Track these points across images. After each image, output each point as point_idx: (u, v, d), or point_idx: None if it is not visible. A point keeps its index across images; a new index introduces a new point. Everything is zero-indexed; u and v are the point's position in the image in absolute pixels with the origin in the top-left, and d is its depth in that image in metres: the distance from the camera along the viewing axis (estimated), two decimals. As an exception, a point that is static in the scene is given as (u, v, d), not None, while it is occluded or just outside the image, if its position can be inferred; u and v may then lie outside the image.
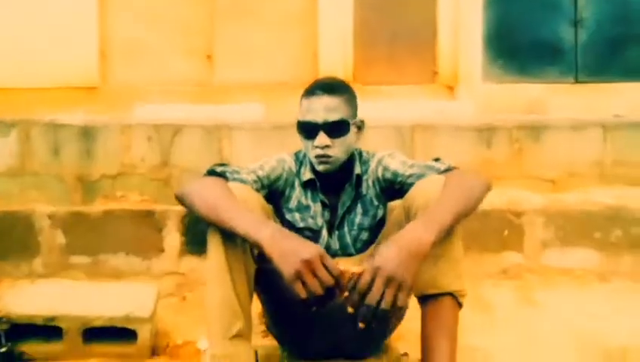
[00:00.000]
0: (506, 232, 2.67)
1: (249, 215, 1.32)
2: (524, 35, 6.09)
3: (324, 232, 1.69)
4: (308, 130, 1.62)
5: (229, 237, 1.37)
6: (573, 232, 2.68)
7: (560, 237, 2.67)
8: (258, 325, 2.12)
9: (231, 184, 1.49)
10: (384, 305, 1.22)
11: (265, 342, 1.95)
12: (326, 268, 1.24)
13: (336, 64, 5.80)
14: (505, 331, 2.30)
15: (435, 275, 1.39)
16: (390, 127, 3.25)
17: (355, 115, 1.70)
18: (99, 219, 2.61)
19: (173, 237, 2.62)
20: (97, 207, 2.75)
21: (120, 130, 3.21)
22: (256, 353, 1.39)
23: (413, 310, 1.78)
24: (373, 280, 1.23)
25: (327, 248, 1.70)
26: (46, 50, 5.62)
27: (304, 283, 1.24)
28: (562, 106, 5.47)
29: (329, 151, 1.61)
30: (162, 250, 2.62)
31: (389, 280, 1.22)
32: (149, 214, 2.63)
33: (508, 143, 3.28)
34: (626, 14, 5.74)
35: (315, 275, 1.23)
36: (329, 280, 1.24)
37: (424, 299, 1.41)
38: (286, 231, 1.32)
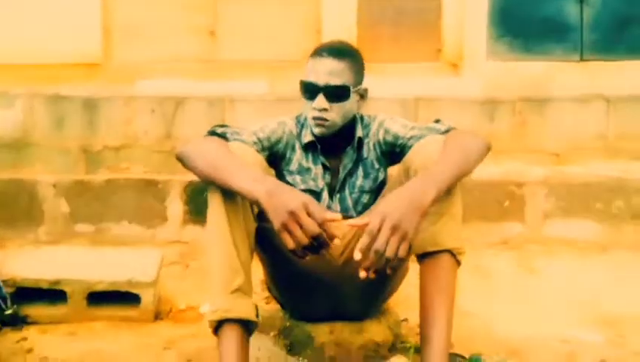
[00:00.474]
0: (507, 203, 2.68)
1: (247, 172, 1.32)
2: (530, 13, 6.02)
3: (325, 194, 1.70)
4: (309, 90, 1.62)
5: (229, 195, 1.38)
6: (575, 203, 2.68)
7: (562, 207, 2.68)
8: (261, 292, 2.15)
9: (231, 144, 1.50)
10: (389, 252, 1.23)
11: (268, 308, 1.97)
12: (313, 217, 1.25)
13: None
14: (503, 298, 2.32)
15: (435, 233, 1.40)
16: (394, 100, 3.25)
17: (359, 82, 1.69)
18: (102, 188, 2.64)
19: (176, 207, 2.64)
20: (101, 176, 2.76)
21: (123, 102, 3.21)
22: (256, 307, 1.40)
23: (412, 275, 1.81)
24: (380, 228, 1.24)
25: (328, 208, 1.71)
26: (49, 26, 5.59)
27: (291, 234, 1.25)
28: (567, 84, 5.42)
29: (326, 115, 1.61)
30: (165, 219, 2.64)
31: (394, 229, 1.23)
32: (152, 183, 2.65)
33: (511, 116, 3.28)
34: (632, -8, 5.66)
35: (301, 225, 1.24)
36: (314, 229, 1.24)
37: (423, 257, 1.42)
38: (283, 185, 1.32)
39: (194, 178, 2.68)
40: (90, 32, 5.70)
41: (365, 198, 1.72)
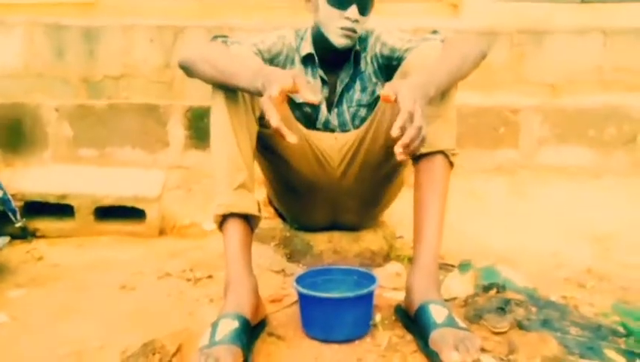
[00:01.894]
0: (502, 129, 2.73)
1: (249, 69, 1.36)
2: (532, -48, 5.94)
3: (323, 107, 1.74)
4: (342, 0, 1.60)
5: (232, 96, 1.42)
6: (569, 130, 2.73)
7: (556, 134, 2.73)
8: (263, 208, 2.22)
9: (232, 48, 1.53)
10: (424, 131, 1.21)
11: (269, 222, 2.04)
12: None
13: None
14: (495, 217, 2.39)
15: (429, 135, 1.44)
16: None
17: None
18: (105, 113, 2.67)
19: (177, 132, 2.68)
20: (103, 101, 2.79)
21: (122, 31, 3.21)
22: (258, 203, 1.47)
23: (409, 195, 1.87)
24: (415, 106, 1.21)
25: (326, 123, 1.75)
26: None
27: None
28: (567, 25, 5.41)
29: (357, 26, 1.63)
30: (167, 144, 2.69)
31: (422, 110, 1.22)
32: (153, 108, 2.68)
33: (509, 48, 3.29)
34: None
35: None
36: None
37: (418, 158, 1.47)
38: (277, 70, 1.32)
39: (194, 103, 2.73)
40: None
41: (363, 112, 1.76)
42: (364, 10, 1.63)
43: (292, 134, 1.22)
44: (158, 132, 2.68)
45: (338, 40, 1.64)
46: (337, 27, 1.63)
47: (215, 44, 1.54)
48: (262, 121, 1.49)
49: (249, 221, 1.44)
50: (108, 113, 2.66)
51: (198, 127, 2.67)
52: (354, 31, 1.63)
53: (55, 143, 2.65)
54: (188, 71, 1.51)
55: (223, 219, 1.41)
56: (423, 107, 1.23)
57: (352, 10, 1.60)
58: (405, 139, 1.19)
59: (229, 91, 1.42)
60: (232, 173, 1.41)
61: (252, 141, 1.47)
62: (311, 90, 1.25)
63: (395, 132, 1.19)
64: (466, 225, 2.27)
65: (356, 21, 1.61)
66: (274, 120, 1.20)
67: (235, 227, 1.40)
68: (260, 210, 1.46)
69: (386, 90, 1.26)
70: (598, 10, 5.75)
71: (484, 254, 1.99)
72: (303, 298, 1.40)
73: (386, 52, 1.69)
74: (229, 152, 1.42)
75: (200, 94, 2.58)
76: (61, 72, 3.22)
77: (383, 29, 1.74)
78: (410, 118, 1.20)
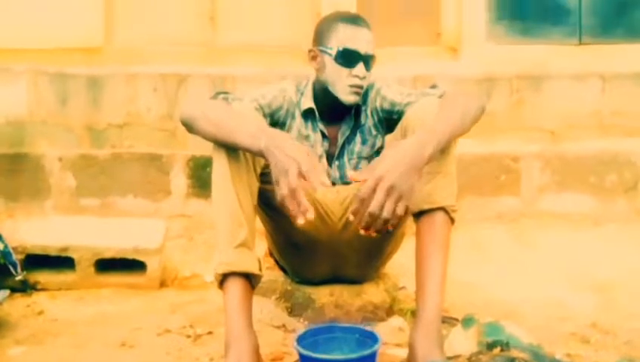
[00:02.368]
0: (503, 177, 2.74)
1: (250, 128, 1.37)
2: (528, -4, 6.05)
3: (323, 161, 1.76)
4: (350, 58, 1.65)
5: (233, 154, 1.44)
6: (569, 177, 2.74)
7: (556, 181, 2.74)
8: (264, 259, 2.22)
9: (233, 105, 1.55)
10: (385, 213, 1.28)
11: (270, 274, 2.03)
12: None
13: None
14: (498, 268, 2.38)
15: (430, 191, 1.45)
16: (392, 78, 3.29)
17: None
18: (107, 162, 2.69)
19: (180, 180, 2.70)
20: (106, 150, 2.81)
21: (126, 79, 3.26)
22: (259, 261, 1.47)
23: (411, 250, 1.87)
24: (374, 189, 1.28)
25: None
26: (49, 11, 5.62)
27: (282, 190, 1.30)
28: (566, 68, 5.48)
29: (364, 83, 1.67)
30: (169, 193, 2.70)
31: (390, 190, 1.27)
32: (156, 157, 2.70)
33: (508, 95, 3.33)
34: (630, -26, 5.69)
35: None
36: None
37: (419, 215, 1.48)
38: (282, 137, 1.35)
39: (197, 152, 2.76)
40: (91, 16, 5.74)
41: (363, 165, 1.77)
42: (368, 65, 1.67)
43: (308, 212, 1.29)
44: (160, 181, 2.70)
45: (347, 98, 1.68)
46: (346, 85, 1.67)
47: (216, 101, 1.56)
48: (263, 177, 1.51)
49: (250, 279, 1.44)
50: (111, 162, 2.69)
51: (201, 176, 2.69)
52: (361, 87, 1.67)
53: (57, 193, 2.67)
54: (189, 128, 1.53)
55: (223, 278, 1.41)
56: (398, 184, 1.29)
57: (360, 68, 1.65)
58: (361, 225, 1.31)
59: (230, 148, 1.44)
60: (233, 231, 1.41)
61: (253, 197, 1.48)
62: (321, 173, 1.30)
63: (350, 217, 1.33)
64: (468, 276, 2.26)
65: (364, 78, 1.66)
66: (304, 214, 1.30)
67: (235, 286, 1.40)
68: (260, 269, 1.46)
69: (354, 175, 1.39)
70: (596, 52, 5.82)
71: (487, 306, 1.98)
72: (304, 359, 1.38)
73: (386, 106, 1.72)
74: (230, 209, 1.42)
75: (203, 143, 2.56)
76: (65, 119, 3.25)
77: (383, 83, 1.77)
78: (362, 204, 1.29)
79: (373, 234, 1.34)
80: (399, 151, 1.33)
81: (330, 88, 1.70)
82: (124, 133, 3.25)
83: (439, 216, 1.45)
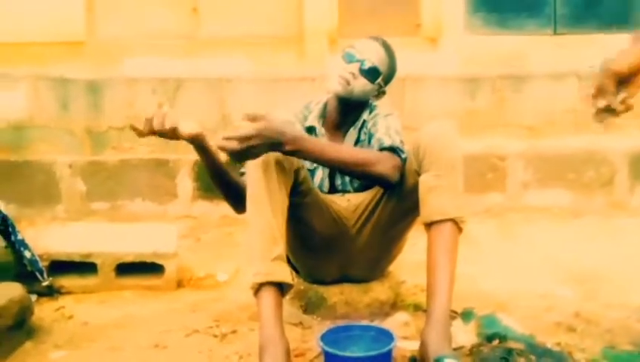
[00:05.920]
0: (490, 175, 2.93)
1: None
2: (504, -12, 6.22)
3: (320, 170, 1.92)
4: (349, 58, 1.86)
5: (267, 172, 1.60)
6: (550, 174, 2.95)
7: (538, 178, 2.94)
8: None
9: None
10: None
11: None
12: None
13: (321, 17, 5.90)
14: (488, 260, 2.58)
15: (441, 204, 1.63)
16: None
17: (385, 80, 1.93)
18: (116, 168, 2.81)
19: (186, 184, 2.83)
20: (114, 156, 2.93)
21: (125, 83, 3.36)
22: (291, 272, 1.63)
23: (410, 244, 2.05)
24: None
25: (321, 183, 1.93)
26: (30, 4, 5.62)
27: None
28: (541, 57, 5.69)
29: (351, 80, 1.85)
30: (176, 196, 2.83)
31: None
32: (162, 162, 2.83)
33: (491, 93, 3.51)
34: (602, -34, 5.91)
35: None
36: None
37: (430, 225, 1.65)
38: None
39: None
40: (72, 10, 5.76)
41: None
42: (365, 71, 1.86)
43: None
44: (167, 184, 2.82)
45: (334, 86, 1.87)
46: (337, 75, 1.86)
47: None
48: (292, 191, 1.68)
49: (282, 288, 1.60)
50: (119, 168, 2.80)
51: (206, 179, 2.81)
52: (348, 82, 1.85)
53: (68, 198, 2.77)
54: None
55: (259, 287, 1.57)
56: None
57: (352, 66, 1.85)
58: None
59: (265, 165, 1.61)
60: (269, 245, 1.58)
61: (284, 214, 1.65)
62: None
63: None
64: (462, 268, 2.44)
65: (352, 74, 1.84)
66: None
67: (270, 294, 1.56)
68: (293, 279, 1.62)
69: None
70: (570, 42, 6.07)
71: (481, 299, 2.16)
72: (328, 356, 1.55)
73: (372, 132, 1.92)
74: (266, 227, 1.59)
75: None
76: (66, 123, 3.35)
77: (385, 112, 1.94)
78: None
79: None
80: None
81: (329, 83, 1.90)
82: (124, 135, 3.36)
83: (448, 227, 1.63)
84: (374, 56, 1.87)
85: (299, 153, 1.62)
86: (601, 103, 1.38)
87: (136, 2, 5.88)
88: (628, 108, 1.40)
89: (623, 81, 1.37)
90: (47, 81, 3.34)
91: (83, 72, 3.58)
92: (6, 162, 2.80)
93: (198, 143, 1.76)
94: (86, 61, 5.32)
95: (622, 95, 1.38)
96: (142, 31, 6.13)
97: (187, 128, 1.70)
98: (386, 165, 1.73)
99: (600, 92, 1.38)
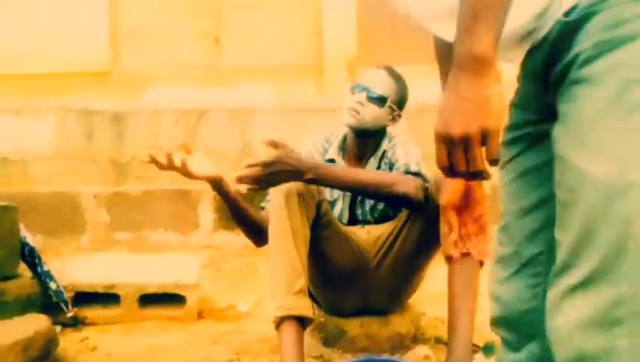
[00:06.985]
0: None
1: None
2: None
3: (340, 201, 1.94)
4: (356, 89, 1.90)
5: (290, 206, 1.63)
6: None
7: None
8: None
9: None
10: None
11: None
12: None
13: (340, 45, 5.98)
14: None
15: (461, 239, 1.64)
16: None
17: (397, 105, 1.95)
18: (139, 198, 2.86)
19: (207, 214, 2.87)
20: (137, 186, 2.99)
21: (148, 114, 3.43)
22: (312, 305, 1.64)
23: (429, 274, 2.05)
24: None
25: (341, 215, 1.94)
26: (56, 35, 5.77)
27: None
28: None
29: (360, 109, 1.87)
30: (198, 226, 2.87)
31: None
32: (185, 193, 2.87)
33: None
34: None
35: None
36: None
37: (451, 257, 1.66)
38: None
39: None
40: (97, 40, 5.91)
41: (381, 205, 1.95)
42: (374, 99, 1.89)
43: None
44: (189, 215, 2.86)
45: (347, 119, 1.90)
46: (347, 107, 1.89)
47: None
48: (314, 223, 1.70)
49: (303, 322, 1.61)
50: (142, 198, 2.85)
51: (227, 209, 2.85)
52: (357, 112, 1.87)
53: (92, 228, 2.83)
54: None
55: (280, 320, 1.59)
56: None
57: (360, 95, 1.88)
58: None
59: (287, 198, 1.64)
60: (291, 279, 1.60)
61: (306, 247, 1.67)
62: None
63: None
64: (484, 302, 2.42)
65: (360, 103, 1.87)
66: None
67: (291, 328, 1.58)
68: (314, 312, 1.63)
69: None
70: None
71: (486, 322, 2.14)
72: (352, 390, 1.56)
73: (393, 160, 1.93)
74: (288, 260, 1.62)
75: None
76: (91, 154, 3.43)
77: (401, 141, 1.96)
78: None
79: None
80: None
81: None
82: (148, 166, 3.42)
83: (469, 261, 1.64)
84: (379, 82, 1.90)
85: (319, 180, 1.65)
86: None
87: (160, 33, 6.03)
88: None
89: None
90: (73, 112, 3.43)
91: (107, 102, 3.67)
92: (33, 193, 2.87)
93: (214, 185, 1.80)
94: (111, 91, 5.46)
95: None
96: (165, 61, 6.27)
97: (199, 170, 1.78)
98: (408, 185, 1.74)
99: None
